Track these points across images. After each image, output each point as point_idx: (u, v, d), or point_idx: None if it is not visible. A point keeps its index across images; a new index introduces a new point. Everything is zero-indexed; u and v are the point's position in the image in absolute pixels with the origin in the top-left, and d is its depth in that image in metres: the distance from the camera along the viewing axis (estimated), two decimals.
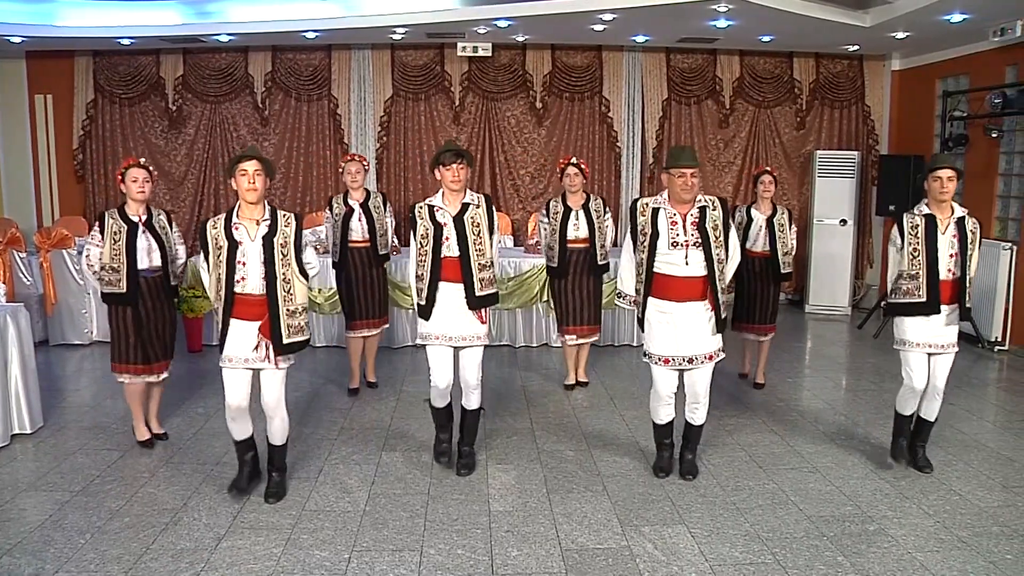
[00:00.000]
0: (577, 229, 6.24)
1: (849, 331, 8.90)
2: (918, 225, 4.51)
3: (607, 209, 6.42)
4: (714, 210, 4.37)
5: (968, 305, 4.57)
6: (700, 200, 4.38)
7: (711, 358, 4.41)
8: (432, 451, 4.91)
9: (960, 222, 4.50)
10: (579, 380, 6.62)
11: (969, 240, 4.49)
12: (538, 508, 4.28)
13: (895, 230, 4.62)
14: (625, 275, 4.64)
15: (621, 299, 4.70)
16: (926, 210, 4.53)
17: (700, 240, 4.30)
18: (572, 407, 6.05)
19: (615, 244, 9.42)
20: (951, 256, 4.48)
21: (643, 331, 4.51)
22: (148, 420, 5.24)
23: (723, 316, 4.39)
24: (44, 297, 7.57)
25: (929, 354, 4.59)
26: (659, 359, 4.43)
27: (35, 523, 4.00)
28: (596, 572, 3.63)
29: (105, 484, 4.51)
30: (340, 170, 6.23)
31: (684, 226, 4.32)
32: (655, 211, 4.39)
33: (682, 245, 4.31)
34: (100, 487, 4.46)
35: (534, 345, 7.92)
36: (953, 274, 4.50)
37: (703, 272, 4.33)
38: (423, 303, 4.53)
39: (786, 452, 5.12)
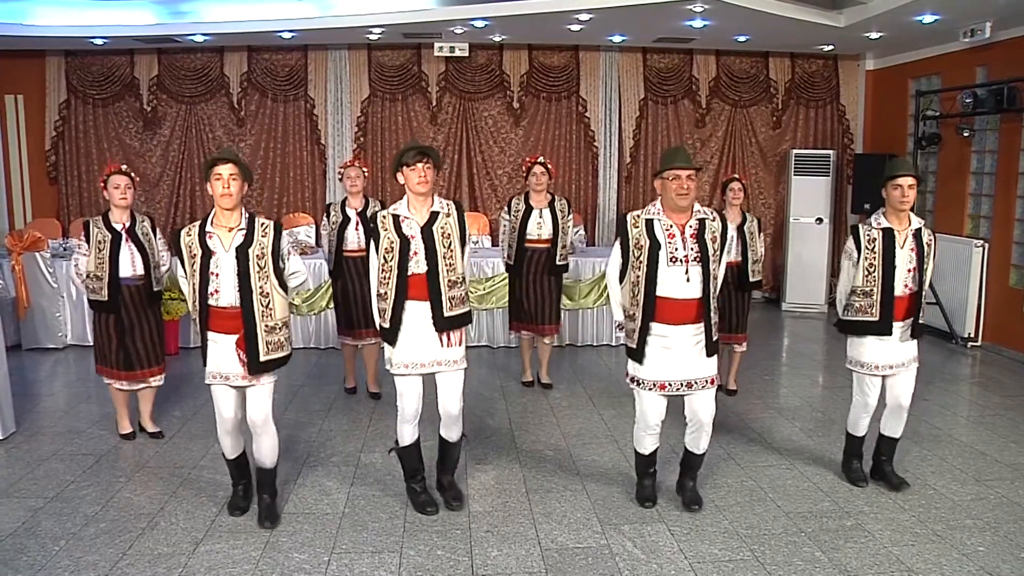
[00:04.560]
0: (540, 228, 6.25)
1: (825, 328, 8.98)
2: (875, 239, 4.26)
3: (571, 210, 6.45)
4: (713, 221, 3.97)
5: (921, 321, 4.35)
6: (699, 211, 3.98)
7: (712, 382, 4.04)
8: (410, 503, 4.25)
9: (917, 234, 4.28)
10: (543, 382, 6.59)
11: (925, 253, 4.29)
12: (518, 508, 4.28)
13: (851, 243, 4.36)
14: (614, 301, 4.16)
15: (620, 330, 4.19)
16: (884, 223, 4.28)
17: (700, 255, 3.89)
18: (551, 407, 6.05)
19: (591, 244, 9.54)
20: (908, 271, 4.26)
21: (639, 363, 4.01)
22: (142, 420, 5.30)
23: (715, 339, 4.02)
24: (16, 301, 7.46)
25: (887, 376, 4.37)
26: (653, 384, 4.00)
27: (7, 531, 3.94)
28: (576, 571, 3.63)
29: (80, 490, 4.45)
30: (339, 175, 6.21)
31: (683, 239, 3.89)
32: (649, 222, 3.94)
33: (681, 261, 3.87)
34: (75, 493, 4.41)
35: (513, 346, 7.90)
36: (910, 289, 4.28)
37: (701, 293, 3.91)
38: (387, 326, 3.99)
39: (764, 449, 5.16)
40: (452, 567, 3.66)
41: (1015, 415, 5.89)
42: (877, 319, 4.27)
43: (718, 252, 3.98)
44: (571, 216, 6.44)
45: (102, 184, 4.96)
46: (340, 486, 4.54)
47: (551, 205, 6.27)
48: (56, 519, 4.08)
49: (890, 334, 4.28)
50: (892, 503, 4.33)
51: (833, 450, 5.10)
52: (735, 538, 3.94)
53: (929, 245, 4.33)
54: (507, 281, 7.54)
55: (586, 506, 4.30)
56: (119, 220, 4.95)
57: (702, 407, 4.07)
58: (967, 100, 7.86)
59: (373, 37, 8.90)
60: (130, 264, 4.95)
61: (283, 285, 3.95)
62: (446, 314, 4.01)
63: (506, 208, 6.45)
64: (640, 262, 3.93)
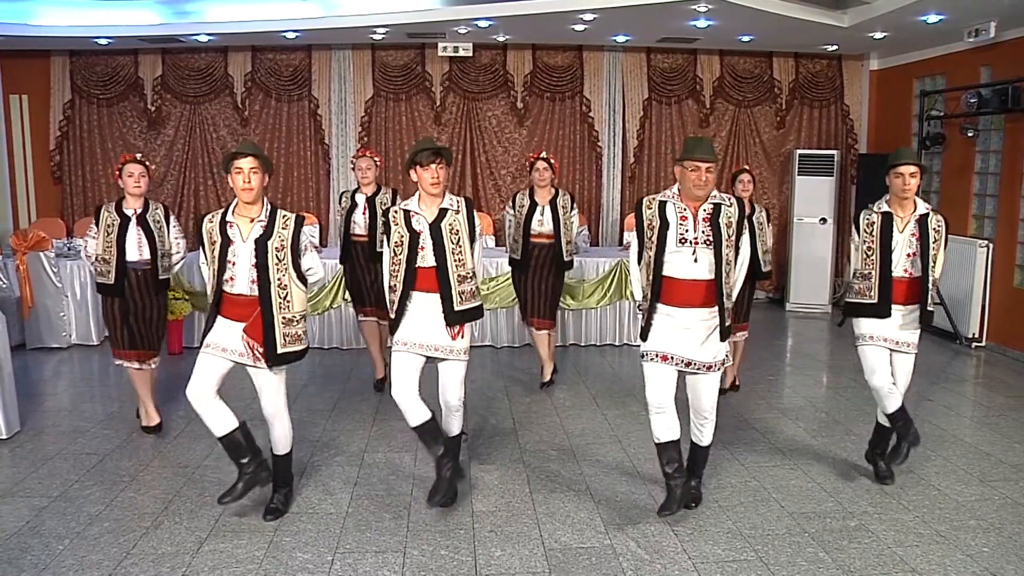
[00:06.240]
0: (542, 224, 6.29)
1: (829, 329, 8.97)
2: (874, 223, 4.34)
3: (574, 205, 6.45)
4: (729, 206, 3.94)
5: (930, 308, 4.34)
6: (715, 196, 3.94)
7: (710, 368, 3.97)
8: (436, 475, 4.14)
9: (923, 220, 4.31)
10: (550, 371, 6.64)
11: (932, 239, 4.30)
12: (521, 508, 4.28)
13: (855, 230, 4.47)
14: (634, 281, 4.19)
15: (640, 309, 4.16)
16: (885, 207, 4.34)
17: (711, 238, 3.87)
18: (555, 407, 6.05)
19: (595, 244, 9.54)
20: (908, 256, 4.29)
21: (644, 340, 4.01)
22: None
23: (727, 324, 3.97)
24: (21, 300, 7.49)
25: (889, 349, 4.39)
26: (656, 355, 3.95)
27: (12, 530, 3.95)
28: (580, 571, 3.63)
29: (84, 489, 4.46)
30: (351, 165, 6.36)
31: (695, 222, 3.88)
32: (662, 204, 3.96)
33: (691, 242, 3.87)
34: (79, 492, 4.41)
35: (516, 345, 7.91)
36: (910, 274, 4.30)
37: (710, 275, 3.88)
38: (394, 317, 4.12)
39: (767, 449, 5.15)
40: (456, 567, 3.66)
41: (1019, 416, 5.87)
42: (875, 301, 4.32)
43: (733, 237, 3.95)
44: (575, 211, 6.44)
45: (116, 173, 5.09)
46: (344, 486, 4.54)
47: (552, 201, 6.30)
48: (60, 518, 4.09)
49: (888, 316, 4.30)
50: (896, 504, 4.32)
51: (837, 450, 5.10)
52: (739, 538, 3.93)
53: (937, 230, 4.34)
54: (511, 280, 7.57)
55: (590, 506, 4.30)
56: (131, 207, 5.08)
57: (704, 392, 4.06)
58: (971, 100, 7.84)
59: (377, 37, 8.91)
60: (136, 248, 5.06)
61: (302, 279, 3.99)
62: (456, 308, 4.09)
63: (510, 203, 6.48)
64: (651, 242, 3.96)
